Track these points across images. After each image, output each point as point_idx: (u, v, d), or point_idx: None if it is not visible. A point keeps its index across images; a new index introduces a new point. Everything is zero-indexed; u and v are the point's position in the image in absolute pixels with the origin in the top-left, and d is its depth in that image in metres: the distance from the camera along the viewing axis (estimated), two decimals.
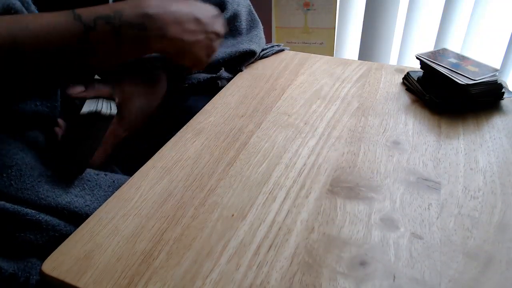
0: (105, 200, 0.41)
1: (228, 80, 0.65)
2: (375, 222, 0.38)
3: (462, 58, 0.61)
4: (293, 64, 0.71)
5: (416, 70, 0.64)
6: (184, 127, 0.53)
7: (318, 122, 0.54)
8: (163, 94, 0.58)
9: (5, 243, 0.37)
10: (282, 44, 0.77)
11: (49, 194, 0.39)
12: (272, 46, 0.75)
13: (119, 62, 0.45)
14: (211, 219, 0.39)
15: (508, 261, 0.34)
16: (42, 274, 0.34)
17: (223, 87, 0.63)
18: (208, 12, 0.49)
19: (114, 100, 0.46)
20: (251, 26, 0.70)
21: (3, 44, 0.36)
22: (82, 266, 0.34)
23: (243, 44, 0.66)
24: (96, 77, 0.48)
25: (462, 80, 0.55)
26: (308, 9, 1.34)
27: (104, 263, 0.34)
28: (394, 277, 0.33)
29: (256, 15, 0.72)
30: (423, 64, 0.61)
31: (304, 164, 0.46)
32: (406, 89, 0.63)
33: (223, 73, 0.64)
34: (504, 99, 0.58)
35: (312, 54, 0.74)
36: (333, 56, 1.35)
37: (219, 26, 0.51)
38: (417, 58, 0.62)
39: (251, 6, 0.72)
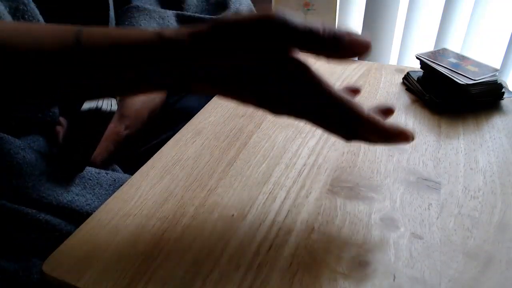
0: (106, 199, 0.41)
1: None
2: (375, 222, 0.38)
3: (462, 58, 0.61)
4: None
5: (416, 70, 0.64)
6: (184, 127, 0.53)
7: None
8: (164, 92, 0.58)
9: (6, 242, 0.37)
10: None
11: (50, 193, 0.39)
12: None
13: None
14: (211, 219, 0.39)
15: (508, 261, 0.34)
16: (42, 274, 0.34)
17: None
18: None
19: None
20: None
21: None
22: (82, 266, 0.34)
23: None
24: None
25: (462, 80, 0.55)
26: (308, 9, 1.34)
27: (104, 263, 0.34)
28: (394, 277, 0.33)
29: None
30: (423, 64, 0.61)
31: (304, 164, 0.46)
32: (406, 89, 0.63)
33: None
34: (504, 99, 0.58)
35: None
36: None
37: None
38: (417, 58, 0.62)
39: (252, 6, 0.72)
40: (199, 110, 0.57)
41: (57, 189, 0.40)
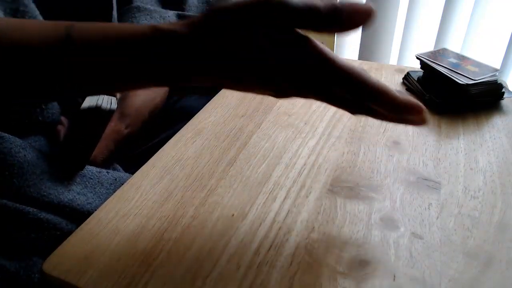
0: (107, 198, 0.41)
1: None
2: (375, 222, 0.38)
3: (462, 58, 0.61)
4: None
5: (416, 70, 0.64)
6: (184, 127, 0.53)
7: (318, 122, 0.54)
8: (165, 90, 0.58)
9: (7, 241, 0.37)
10: None
11: (51, 192, 0.39)
12: None
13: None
14: (211, 219, 0.39)
15: (508, 261, 0.34)
16: (43, 274, 0.34)
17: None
18: None
19: (115, 96, 0.46)
20: None
21: None
22: (82, 266, 0.34)
23: None
24: None
25: (462, 80, 0.55)
26: None
27: (104, 263, 0.34)
28: (394, 276, 0.33)
29: None
30: (423, 64, 0.61)
31: (304, 164, 0.46)
32: (406, 89, 0.63)
33: None
34: (504, 99, 0.58)
35: None
36: None
37: None
38: (417, 58, 0.62)
39: None
40: (199, 110, 0.57)
41: (58, 188, 0.40)
